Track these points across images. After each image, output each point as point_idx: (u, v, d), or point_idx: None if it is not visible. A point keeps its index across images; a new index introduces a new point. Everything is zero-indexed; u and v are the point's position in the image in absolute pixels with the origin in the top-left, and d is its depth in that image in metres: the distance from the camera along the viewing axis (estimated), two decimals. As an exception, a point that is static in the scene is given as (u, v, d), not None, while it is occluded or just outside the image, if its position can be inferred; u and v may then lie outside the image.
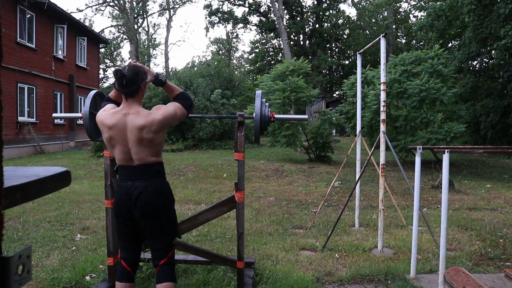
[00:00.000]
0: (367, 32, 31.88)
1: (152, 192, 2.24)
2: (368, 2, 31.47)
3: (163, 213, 2.31)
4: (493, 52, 14.34)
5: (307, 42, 32.21)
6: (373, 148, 4.56)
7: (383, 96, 4.10)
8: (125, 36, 32.52)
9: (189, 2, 38.68)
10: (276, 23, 24.88)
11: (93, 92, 2.85)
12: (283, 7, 25.88)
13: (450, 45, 17.73)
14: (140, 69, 2.27)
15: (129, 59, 32.09)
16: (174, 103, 2.34)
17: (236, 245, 3.02)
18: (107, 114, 2.26)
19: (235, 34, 40.20)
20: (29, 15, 14.16)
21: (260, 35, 35.66)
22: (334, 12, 31.03)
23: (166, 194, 2.34)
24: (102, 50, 30.08)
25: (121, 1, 30.34)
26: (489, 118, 14.10)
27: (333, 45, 34.53)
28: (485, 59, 15.34)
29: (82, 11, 43.58)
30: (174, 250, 2.42)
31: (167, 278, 2.30)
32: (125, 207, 2.28)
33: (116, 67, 2.66)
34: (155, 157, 2.29)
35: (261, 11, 32.46)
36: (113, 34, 35.40)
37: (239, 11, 71.88)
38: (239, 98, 19.34)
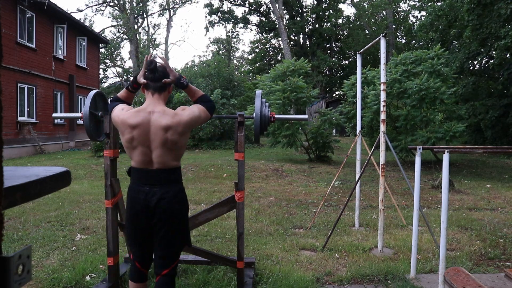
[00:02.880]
0: (367, 32, 31.89)
1: (171, 199, 2.14)
2: (367, 2, 31.47)
3: (179, 221, 2.22)
4: (493, 52, 14.34)
5: (307, 42, 32.22)
6: (373, 148, 4.56)
7: (383, 96, 4.10)
8: (125, 36, 32.52)
9: (189, 2, 38.67)
10: (276, 23, 24.89)
11: (93, 92, 2.85)
12: (283, 7, 25.89)
13: (451, 46, 17.74)
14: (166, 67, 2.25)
15: (129, 58, 32.10)
16: (197, 106, 2.25)
17: (236, 245, 3.02)
18: (129, 113, 2.13)
19: (235, 34, 40.21)
20: (29, 15, 14.16)
21: (260, 35, 35.67)
22: (334, 12, 31.01)
23: (184, 201, 2.25)
24: (102, 50, 30.05)
25: (121, 1, 30.34)
26: (488, 115, 14.09)
27: (333, 45, 34.52)
28: (485, 59, 15.35)
29: (82, 11, 43.62)
30: (178, 261, 2.34)
31: None
32: (142, 214, 2.14)
33: (150, 57, 2.27)
34: (175, 161, 2.18)
35: (261, 11, 32.47)
36: (113, 34, 35.42)
37: (239, 11, 71.90)
38: (239, 98, 19.35)
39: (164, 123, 2.08)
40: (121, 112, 2.16)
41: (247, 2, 32.15)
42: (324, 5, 31.17)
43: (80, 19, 25.07)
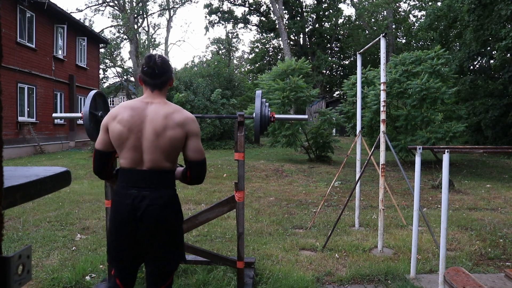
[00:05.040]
0: (367, 32, 31.89)
1: (163, 206, 1.86)
2: (367, 2, 31.48)
3: (171, 232, 1.92)
4: (493, 52, 14.35)
5: (307, 42, 32.21)
6: (373, 148, 4.56)
7: (383, 96, 4.10)
8: (125, 36, 32.51)
9: (189, 2, 38.70)
10: (276, 23, 24.89)
11: (93, 92, 2.85)
12: (283, 7, 25.88)
13: (450, 46, 17.75)
14: (169, 61, 2.04)
15: (129, 59, 32.11)
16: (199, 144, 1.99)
17: (236, 245, 3.02)
18: (119, 105, 1.93)
19: (235, 34, 40.20)
20: (29, 15, 14.16)
21: (260, 35, 35.66)
22: (334, 12, 31.01)
23: (177, 209, 1.96)
24: (102, 50, 30.06)
25: (121, 1, 30.34)
26: (488, 115, 14.10)
27: (333, 45, 34.53)
28: (485, 59, 15.35)
29: (82, 11, 43.69)
30: (173, 278, 2.04)
31: None
32: (128, 221, 1.85)
33: (147, 54, 2.09)
34: (169, 163, 1.90)
35: (261, 11, 32.46)
36: (113, 34, 35.45)
37: (239, 11, 71.99)
38: (239, 98, 19.36)
39: (165, 111, 1.87)
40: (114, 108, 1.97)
41: (247, 2, 32.14)
42: (324, 5, 31.17)
43: (80, 19, 25.10)
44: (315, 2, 31.49)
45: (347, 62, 34.76)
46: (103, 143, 1.93)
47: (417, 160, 3.22)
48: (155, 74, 1.92)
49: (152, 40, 36.78)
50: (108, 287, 2.13)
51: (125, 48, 58.92)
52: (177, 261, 2.00)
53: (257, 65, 34.94)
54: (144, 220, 1.84)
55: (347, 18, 34.07)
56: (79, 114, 2.95)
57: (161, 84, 1.95)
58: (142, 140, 1.84)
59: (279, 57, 33.14)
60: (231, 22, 33.46)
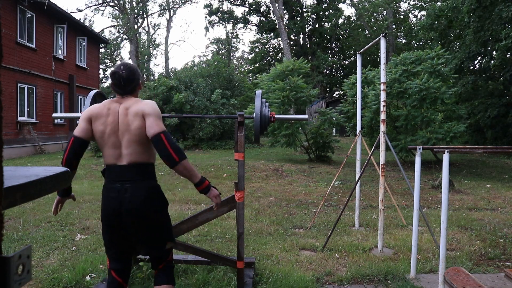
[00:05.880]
0: (367, 32, 31.88)
1: (145, 196, 2.04)
2: (367, 2, 31.46)
3: (157, 219, 2.13)
4: (493, 53, 14.35)
5: (307, 42, 32.20)
6: (373, 148, 4.56)
7: (383, 96, 4.10)
8: (125, 36, 32.51)
9: (189, 2, 38.70)
10: (276, 23, 24.89)
11: (93, 92, 2.85)
12: (283, 7, 25.87)
13: (450, 46, 17.74)
14: (135, 66, 2.21)
15: (129, 58, 32.09)
16: (160, 125, 2.04)
17: (236, 245, 3.02)
18: (99, 104, 2.15)
19: (235, 34, 40.18)
20: (29, 15, 14.16)
21: (260, 35, 35.65)
22: (334, 12, 31.00)
23: (159, 197, 2.15)
24: (102, 50, 30.08)
25: (121, 1, 30.33)
26: (487, 113, 14.09)
27: (333, 45, 34.52)
28: (485, 58, 15.36)
29: (82, 11, 43.69)
30: (172, 254, 2.29)
31: (165, 280, 2.19)
32: (115, 212, 2.04)
33: (112, 69, 2.16)
34: (147, 156, 2.10)
35: (261, 11, 32.45)
36: (113, 34, 35.45)
37: (239, 11, 71.96)
38: (239, 98, 19.36)
39: (129, 106, 2.08)
40: (91, 106, 2.18)
41: (247, 2, 32.14)
42: (324, 5, 31.15)
43: (80, 19, 25.11)
44: (315, 2, 31.48)
45: (347, 62, 34.76)
46: (83, 131, 2.11)
47: (417, 160, 3.22)
48: (123, 86, 2.12)
49: (152, 40, 36.78)
50: (107, 282, 2.27)
51: (125, 48, 58.91)
52: (166, 242, 2.21)
53: (257, 65, 34.93)
54: (128, 213, 2.02)
55: (347, 18, 34.07)
56: (79, 114, 2.95)
57: (129, 91, 2.14)
58: (118, 137, 2.05)
59: (279, 57, 33.14)
60: (231, 22, 33.45)
